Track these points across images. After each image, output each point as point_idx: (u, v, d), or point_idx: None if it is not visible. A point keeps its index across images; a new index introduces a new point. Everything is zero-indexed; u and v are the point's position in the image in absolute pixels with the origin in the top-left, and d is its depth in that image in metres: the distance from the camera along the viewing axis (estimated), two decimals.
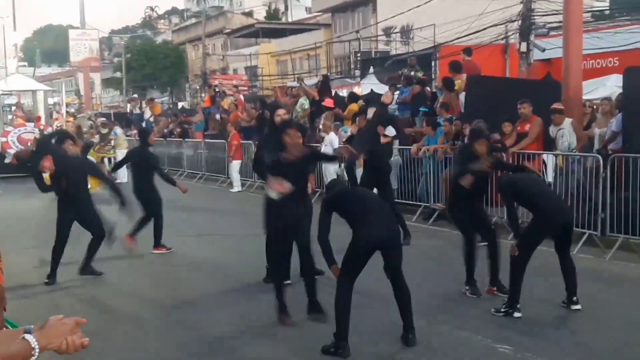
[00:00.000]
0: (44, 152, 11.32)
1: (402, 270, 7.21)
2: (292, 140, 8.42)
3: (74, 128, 24.39)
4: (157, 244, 12.57)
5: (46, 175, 11.01)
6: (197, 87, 55.79)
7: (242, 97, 30.84)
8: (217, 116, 26.66)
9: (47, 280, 10.19)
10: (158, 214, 12.51)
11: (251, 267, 10.77)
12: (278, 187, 8.34)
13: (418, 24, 39.48)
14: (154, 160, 13.05)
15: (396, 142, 15.57)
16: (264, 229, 9.13)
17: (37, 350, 2.75)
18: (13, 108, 29.70)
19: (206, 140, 25.68)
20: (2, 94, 29.74)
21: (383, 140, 12.98)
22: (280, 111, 10.24)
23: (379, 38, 45.01)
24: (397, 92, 20.07)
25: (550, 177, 13.38)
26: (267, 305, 8.57)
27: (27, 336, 2.78)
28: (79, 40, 47.10)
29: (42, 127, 26.23)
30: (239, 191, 20.91)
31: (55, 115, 32.86)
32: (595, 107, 16.37)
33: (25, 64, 70.33)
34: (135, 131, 34.06)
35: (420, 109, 17.98)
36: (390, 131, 14.15)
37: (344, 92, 24.34)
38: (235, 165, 21.62)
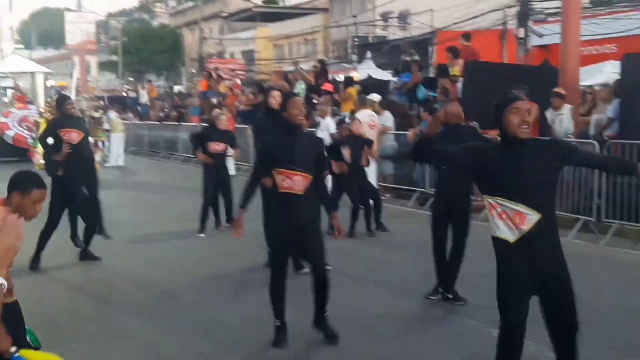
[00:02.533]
0: None
1: None
2: (299, 109, 7.58)
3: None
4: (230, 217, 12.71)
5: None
6: (194, 71, 55.69)
7: (238, 81, 30.88)
8: (214, 100, 26.59)
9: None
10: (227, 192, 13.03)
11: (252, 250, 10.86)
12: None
13: (416, 9, 39.53)
14: None
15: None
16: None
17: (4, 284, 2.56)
18: (10, 91, 29.41)
19: (202, 124, 25.57)
20: None
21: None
22: (275, 93, 10.04)
23: (377, 23, 44.96)
24: (397, 77, 20.19)
25: None
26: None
27: None
28: (75, 23, 47.15)
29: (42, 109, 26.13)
30: (233, 175, 20.82)
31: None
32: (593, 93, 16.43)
33: (22, 46, 69.88)
34: (130, 114, 34.13)
35: (430, 93, 17.88)
36: None
37: (341, 77, 24.30)
38: (228, 151, 21.44)
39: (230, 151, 14.21)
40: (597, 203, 11.91)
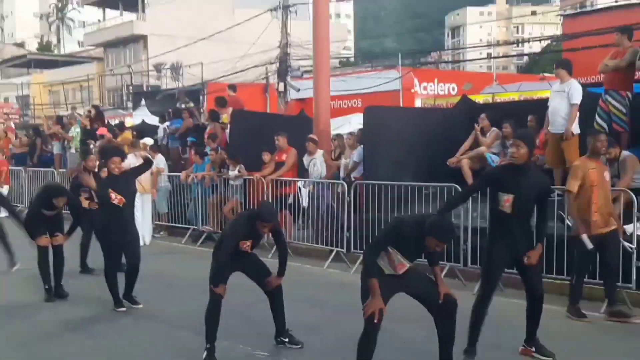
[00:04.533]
0: None
1: None
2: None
3: None
4: None
5: None
6: None
7: (12, 124, 29.61)
8: None
9: None
10: None
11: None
12: None
13: (187, 62, 39.70)
14: None
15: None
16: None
17: None
18: None
19: None
20: None
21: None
22: (116, 159, 9.61)
23: (150, 73, 44.72)
24: (167, 123, 20.11)
25: (305, 202, 13.89)
26: None
27: None
28: None
29: None
30: (5, 216, 19.73)
31: None
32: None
33: None
34: None
35: (189, 139, 18.00)
36: None
37: (116, 122, 23.99)
38: (4, 191, 20.48)
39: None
40: (346, 236, 12.36)
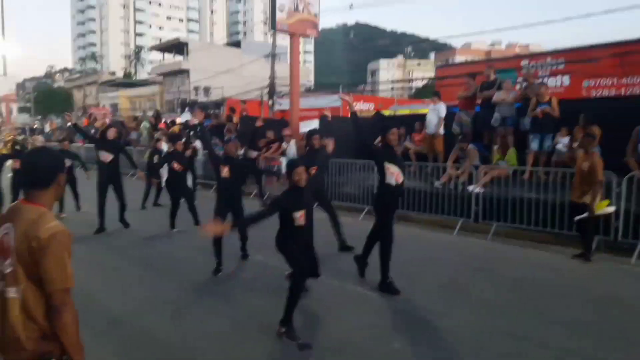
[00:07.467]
0: None
1: None
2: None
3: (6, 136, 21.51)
4: None
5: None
6: (79, 114, 51.18)
7: (107, 120, 28.83)
8: (92, 131, 24.75)
9: None
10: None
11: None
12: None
13: (214, 86, 39.05)
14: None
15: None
16: None
17: None
18: None
19: (85, 145, 23.81)
20: None
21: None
22: (179, 142, 9.55)
23: (191, 92, 43.92)
24: (206, 122, 19.74)
25: (284, 170, 13.73)
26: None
27: None
28: (2, 83, 41.12)
29: None
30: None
31: None
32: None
33: None
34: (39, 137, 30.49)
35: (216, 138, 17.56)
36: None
37: (169, 121, 23.51)
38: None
39: None
40: None
